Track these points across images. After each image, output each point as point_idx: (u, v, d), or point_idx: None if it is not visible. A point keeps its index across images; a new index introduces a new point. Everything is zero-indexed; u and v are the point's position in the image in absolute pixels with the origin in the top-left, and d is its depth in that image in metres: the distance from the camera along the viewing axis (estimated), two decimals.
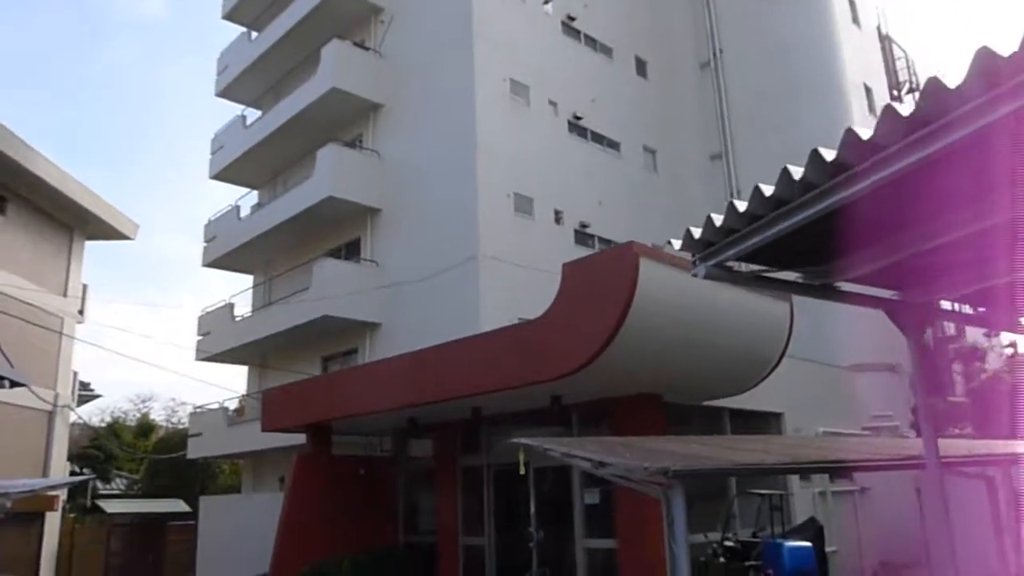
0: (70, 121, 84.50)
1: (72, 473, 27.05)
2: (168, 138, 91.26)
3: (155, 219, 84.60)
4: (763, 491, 13.35)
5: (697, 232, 4.44)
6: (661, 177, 22.96)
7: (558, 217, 19.44)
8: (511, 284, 16.98)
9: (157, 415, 42.86)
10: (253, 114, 24.69)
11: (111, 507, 26.45)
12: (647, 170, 22.78)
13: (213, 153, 25.04)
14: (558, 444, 7.33)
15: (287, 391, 15.59)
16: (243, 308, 23.27)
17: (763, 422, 15.36)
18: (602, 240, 20.40)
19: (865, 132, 3.47)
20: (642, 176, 22.37)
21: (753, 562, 11.28)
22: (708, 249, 4.48)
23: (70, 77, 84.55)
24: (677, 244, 4.63)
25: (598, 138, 21.43)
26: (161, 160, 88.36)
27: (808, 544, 12.18)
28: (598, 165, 21.16)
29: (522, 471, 9.75)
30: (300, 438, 16.68)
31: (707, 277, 4.45)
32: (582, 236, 19.91)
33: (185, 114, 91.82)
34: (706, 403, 13.74)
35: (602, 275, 10.04)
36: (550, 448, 7.29)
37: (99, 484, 30.21)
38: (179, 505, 27.63)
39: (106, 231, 26.66)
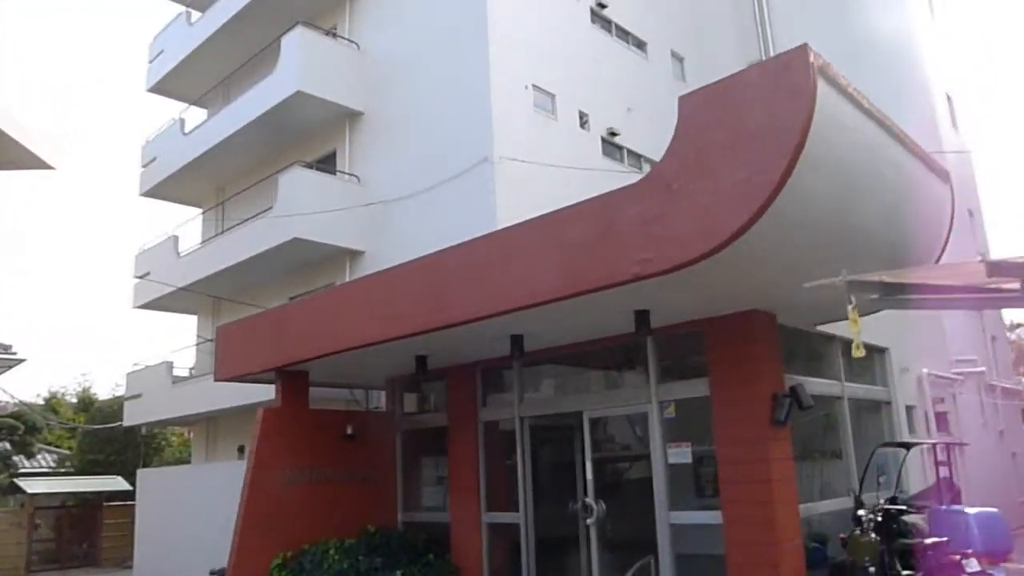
0: None
1: None
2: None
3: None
4: (914, 441, 10.05)
5: None
6: (690, 86, 19.34)
7: (583, 120, 15.77)
8: (534, 195, 13.27)
9: (101, 389, 38.48)
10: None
11: (34, 487, 22.24)
12: (675, 78, 19.19)
13: (151, 61, 20.75)
14: None
15: (249, 325, 11.76)
16: (192, 243, 19.23)
17: (868, 358, 11.98)
18: (632, 154, 16.83)
19: None
20: (669, 84, 18.77)
21: (936, 538, 7.89)
22: None
23: None
24: None
25: (623, 34, 17.77)
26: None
27: (996, 511, 8.88)
28: (625, 67, 17.52)
29: (859, 352, 6.17)
30: (264, 394, 12.94)
31: None
32: (610, 147, 16.32)
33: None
34: (820, 328, 10.35)
35: (754, 101, 6.41)
36: None
37: (23, 461, 25.86)
38: (117, 483, 23.56)
39: (18, 157, 22.13)
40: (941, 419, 14.34)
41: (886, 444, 9.55)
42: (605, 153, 16.13)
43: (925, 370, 13.15)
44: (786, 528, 8.36)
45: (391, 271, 9.48)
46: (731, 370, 8.76)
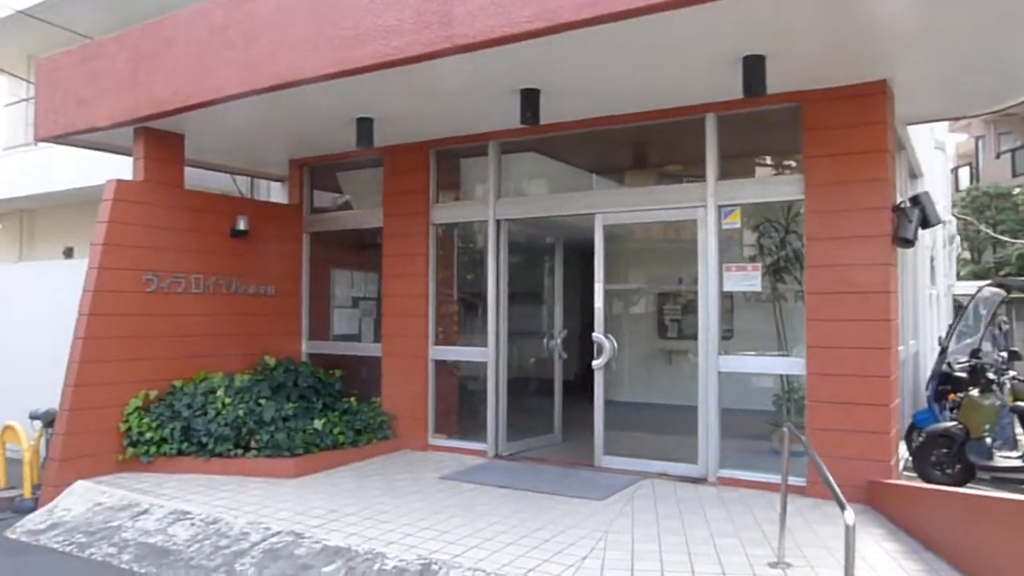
0: None
1: None
2: None
3: None
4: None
5: None
6: None
7: None
8: None
9: None
10: None
11: None
12: None
13: None
14: None
15: (92, 53, 7.70)
16: None
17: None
18: None
19: None
20: None
21: None
22: None
23: None
24: None
25: None
26: None
27: None
28: None
29: None
30: (106, 169, 9.06)
31: None
32: None
33: None
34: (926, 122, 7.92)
35: None
36: None
37: None
38: None
39: None
40: None
41: (995, 283, 7.43)
42: None
43: (948, 218, 11.29)
44: (895, 383, 6.14)
45: None
46: (841, 165, 6.14)
